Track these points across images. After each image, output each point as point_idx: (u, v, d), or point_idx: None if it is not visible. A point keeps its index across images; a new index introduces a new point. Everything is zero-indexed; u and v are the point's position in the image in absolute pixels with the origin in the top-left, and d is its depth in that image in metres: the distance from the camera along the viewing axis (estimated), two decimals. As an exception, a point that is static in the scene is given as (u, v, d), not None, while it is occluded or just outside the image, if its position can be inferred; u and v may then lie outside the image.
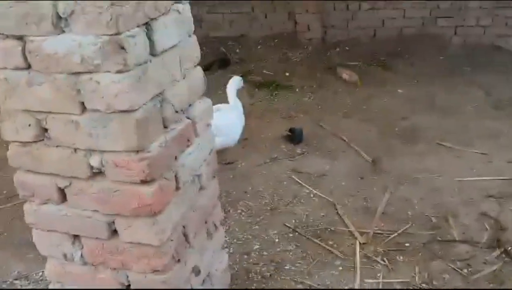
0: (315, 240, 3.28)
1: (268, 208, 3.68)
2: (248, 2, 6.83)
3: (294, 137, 4.58)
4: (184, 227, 1.90)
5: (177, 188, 1.84)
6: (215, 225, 2.17)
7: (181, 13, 1.82)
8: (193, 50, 1.94)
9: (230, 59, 6.51)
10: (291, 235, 3.36)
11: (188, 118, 1.92)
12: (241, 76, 5.97)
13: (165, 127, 1.77)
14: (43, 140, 1.73)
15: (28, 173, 1.76)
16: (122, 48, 1.51)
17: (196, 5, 6.55)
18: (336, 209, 3.61)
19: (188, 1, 1.88)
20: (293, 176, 4.08)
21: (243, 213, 3.63)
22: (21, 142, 1.72)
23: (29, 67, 1.60)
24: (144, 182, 1.66)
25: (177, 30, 1.80)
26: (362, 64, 6.01)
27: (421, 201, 3.63)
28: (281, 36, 6.91)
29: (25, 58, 1.59)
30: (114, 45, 1.48)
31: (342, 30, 6.60)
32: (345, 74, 5.79)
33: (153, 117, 1.69)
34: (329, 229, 3.40)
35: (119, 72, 1.53)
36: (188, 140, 1.90)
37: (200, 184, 2.01)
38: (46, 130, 1.70)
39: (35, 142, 1.73)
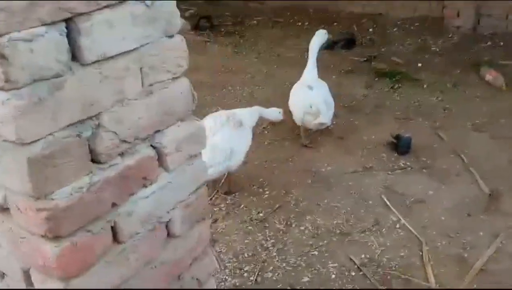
0: (380, 288, 2.58)
1: (338, 231, 3.04)
2: (392, -25, 6.12)
3: (399, 146, 3.78)
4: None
5: (119, 242, 1.33)
6: (198, 280, 1.62)
7: (150, 6, 1.26)
8: (173, 56, 1.37)
9: (355, 40, 5.72)
10: (353, 273, 2.70)
11: (155, 147, 1.38)
12: (365, 59, 5.30)
13: (99, 162, 1.25)
14: None
15: None
16: (3, 57, 1.01)
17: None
18: (422, 252, 2.83)
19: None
20: (383, 196, 3.34)
21: (306, 231, 3.04)
22: None
23: None
24: (47, 237, 1.19)
25: (138, 29, 1.25)
26: (516, 65, 4.95)
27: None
28: (424, 19, 6.05)
29: None
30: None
31: (499, 20, 5.55)
32: (489, 75, 4.72)
33: (69, 151, 1.17)
34: (402, 277, 2.66)
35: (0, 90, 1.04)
36: (146, 178, 1.36)
37: (170, 232, 1.48)
38: None
39: None
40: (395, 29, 6.05)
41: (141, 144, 1.34)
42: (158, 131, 1.38)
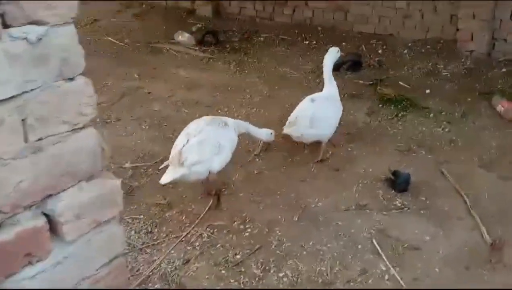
0: None
1: (320, 280, 2.75)
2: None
3: (397, 183, 3.48)
4: None
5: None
6: None
7: (35, 44, 1.01)
8: (73, 104, 1.11)
9: (362, 62, 5.44)
10: (331, 332, 2.40)
11: (47, 215, 1.13)
12: (371, 83, 5.04)
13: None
14: None
15: None
16: None
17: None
18: (411, 311, 2.52)
19: (58, 26, 1.04)
20: (375, 240, 3.05)
21: (284, 279, 2.76)
22: None
23: None
24: None
25: (17, 72, 1.00)
26: (532, 95, 4.62)
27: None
28: (436, 42, 5.83)
29: None
30: None
31: (516, 46, 5.26)
32: (501, 106, 4.39)
33: None
34: (386, 340, 2.36)
35: None
36: (30, 255, 1.10)
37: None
38: None
39: None
40: (405, 51, 5.79)
41: (24, 213, 1.09)
42: (50, 195, 1.12)
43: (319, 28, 6.46)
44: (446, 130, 4.30)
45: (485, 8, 5.23)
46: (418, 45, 5.79)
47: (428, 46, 5.73)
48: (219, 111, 4.65)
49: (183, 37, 6.33)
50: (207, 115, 4.45)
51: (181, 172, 3.03)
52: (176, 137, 3.36)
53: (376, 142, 4.15)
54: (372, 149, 4.06)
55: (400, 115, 4.54)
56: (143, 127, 4.42)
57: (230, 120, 3.46)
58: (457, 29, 5.50)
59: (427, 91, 4.93)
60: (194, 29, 6.70)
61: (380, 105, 4.68)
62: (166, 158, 3.27)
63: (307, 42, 6.24)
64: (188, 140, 3.15)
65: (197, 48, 6.14)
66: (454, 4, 5.50)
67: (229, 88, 5.12)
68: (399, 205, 3.40)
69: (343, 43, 6.04)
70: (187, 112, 4.61)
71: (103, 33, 6.58)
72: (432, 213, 3.31)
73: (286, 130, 3.68)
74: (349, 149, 4.07)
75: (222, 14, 7.12)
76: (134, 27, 6.84)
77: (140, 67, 5.58)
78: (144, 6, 7.56)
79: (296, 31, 6.47)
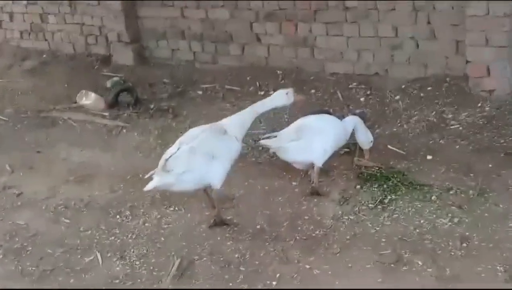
0: None
1: None
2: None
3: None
4: None
5: None
6: None
7: None
8: None
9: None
10: None
11: None
12: (347, 150, 4.83)
13: None
14: None
15: None
16: None
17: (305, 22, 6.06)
18: None
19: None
20: None
21: None
22: None
23: None
24: None
25: None
26: None
27: None
28: (440, 81, 5.63)
29: None
30: None
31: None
32: (536, 176, 3.92)
33: None
34: None
35: None
36: None
37: None
38: None
39: None
40: (397, 97, 5.58)
41: None
42: None
43: (278, 71, 6.35)
44: (456, 220, 3.87)
45: (501, 28, 4.97)
46: (415, 87, 5.62)
47: (429, 88, 5.55)
48: (118, 217, 4.28)
49: (88, 99, 6.20)
50: (97, 224, 4.20)
51: (165, 180, 3.67)
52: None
53: (346, 252, 3.70)
54: (340, 266, 3.60)
55: (387, 200, 4.17)
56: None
57: (232, 126, 3.99)
58: (467, 61, 5.34)
59: (429, 157, 4.65)
60: (109, 84, 6.56)
61: (358, 186, 4.36)
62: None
63: (262, 93, 6.08)
64: (179, 148, 3.78)
65: (106, 113, 6.00)
66: (459, 27, 5.27)
67: (140, 176, 4.70)
68: None
69: (312, 90, 5.93)
70: (68, 222, 4.31)
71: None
72: None
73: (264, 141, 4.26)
74: (307, 266, 3.61)
75: (148, 60, 7.15)
76: (25, 88, 6.79)
77: (17, 153, 5.43)
78: (45, 56, 7.62)
79: (248, 77, 6.45)
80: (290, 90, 4.19)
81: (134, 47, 6.94)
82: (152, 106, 6.02)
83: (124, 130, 5.59)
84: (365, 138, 4.41)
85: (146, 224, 4.12)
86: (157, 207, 4.33)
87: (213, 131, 3.93)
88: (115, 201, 4.46)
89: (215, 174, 3.81)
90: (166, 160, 3.67)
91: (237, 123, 4.04)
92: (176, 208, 4.26)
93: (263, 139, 4.26)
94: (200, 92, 6.21)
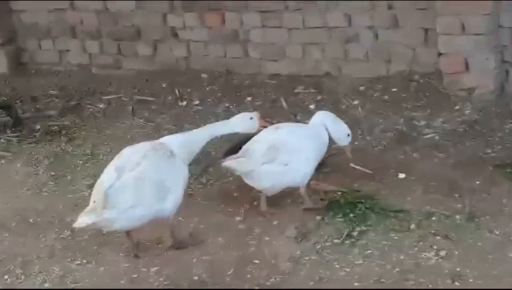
0: None
1: None
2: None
3: None
4: None
5: None
6: None
7: None
8: None
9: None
10: None
11: None
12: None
13: None
14: None
15: None
16: None
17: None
18: None
19: None
20: None
21: None
22: None
23: None
24: None
25: None
26: None
27: None
28: (407, 79, 5.96)
29: None
30: None
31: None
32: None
33: None
34: None
35: None
36: None
37: None
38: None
39: None
40: (355, 102, 5.79)
41: None
42: None
43: (202, 75, 6.47)
44: (443, 254, 4.00)
45: (481, 11, 5.18)
46: (377, 89, 5.88)
47: (395, 89, 5.81)
48: (6, 277, 4.24)
49: None
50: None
51: (106, 216, 3.72)
52: None
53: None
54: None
55: (355, 233, 4.27)
56: None
57: (178, 147, 4.12)
58: (439, 54, 5.52)
59: (401, 175, 4.84)
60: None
61: (319, 217, 4.43)
62: None
63: (184, 103, 6.21)
64: (118, 176, 3.88)
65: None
66: (427, 11, 5.47)
67: (31, 221, 4.71)
68: None
69: (248, 98, 6.03)
70: None
71: None
72: None
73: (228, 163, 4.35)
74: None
75: (27, 67, 7.17)
76: None
77: None
78: None
79: (164, 84, 6.55)
80: (254, 114, 4.34)
81: (8, 50, 6.92)
82: (38, 127, 5.99)
83: (3, 161, 5.53)
84: (340, 133, 4.47)
85: (46, 284, 4.05)
86: (58, 261, 4.24)
87: (159, 153, 4.04)
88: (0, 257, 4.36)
89: (167, 206, 3.98)
90: (105, 192, 3.74)
91: (185, 144, 4.17)
92: (84, 261, 4.19)
93: (227, 160, 4.30)
94: (101, 106, 6.25)
